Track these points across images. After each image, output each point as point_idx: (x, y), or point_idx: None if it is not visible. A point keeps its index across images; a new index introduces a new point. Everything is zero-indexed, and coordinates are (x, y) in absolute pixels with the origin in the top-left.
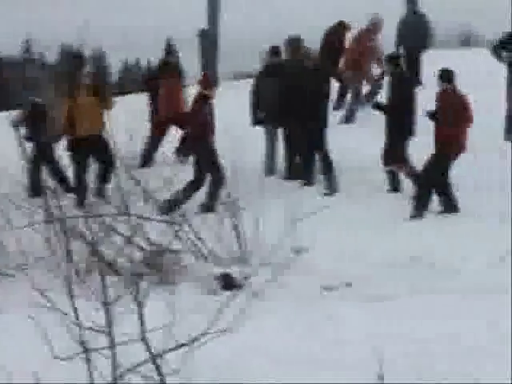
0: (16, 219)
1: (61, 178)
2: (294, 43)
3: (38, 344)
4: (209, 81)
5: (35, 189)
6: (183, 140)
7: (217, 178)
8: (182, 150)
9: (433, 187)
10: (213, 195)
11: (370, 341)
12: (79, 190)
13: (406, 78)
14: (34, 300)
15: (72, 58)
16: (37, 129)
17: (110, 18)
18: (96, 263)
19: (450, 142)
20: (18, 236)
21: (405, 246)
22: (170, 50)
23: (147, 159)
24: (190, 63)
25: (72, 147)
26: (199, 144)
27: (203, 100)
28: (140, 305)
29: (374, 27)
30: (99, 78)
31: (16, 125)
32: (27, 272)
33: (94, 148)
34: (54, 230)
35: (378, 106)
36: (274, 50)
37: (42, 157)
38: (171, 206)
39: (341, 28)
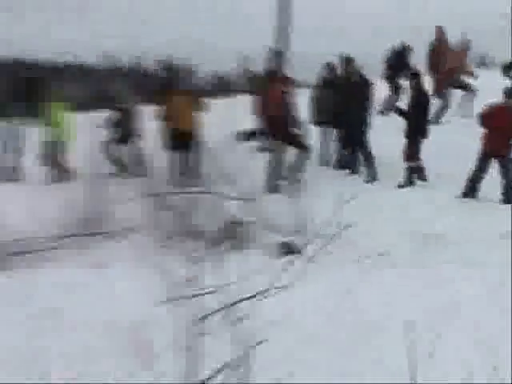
0: (122, 193)
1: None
2: (346, 61)
3: (138, 293)
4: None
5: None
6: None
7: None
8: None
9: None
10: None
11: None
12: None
13: (423, 91)
14: (135, 257)
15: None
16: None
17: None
18: (185, 230)
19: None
20: (124, 207)
21: (426, 224)
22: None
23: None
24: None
25: (169, 141)
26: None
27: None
28: (219, 263)
29: (464, 46)
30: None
31: (104, 125)
32: (130, 235)
33: (186, 141)
34: (153, 203)
35: (399, 112)
36: (330, 66)
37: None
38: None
39: (439, 45)
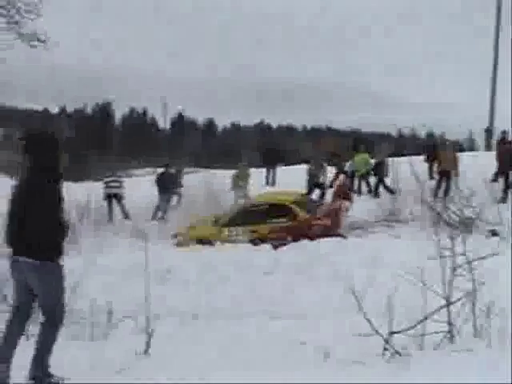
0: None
1: None
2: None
3: (419, 251)
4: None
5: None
6: None
7: None
8: None
9: None
10: None
11: None
12: None
13: None
14: (416, 234)
15: None
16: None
17: None
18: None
19: None
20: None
21: None
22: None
23: None
24: None
25: None
26: None
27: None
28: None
29: None
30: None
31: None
32: (411, 222)
33: None
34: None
35: None
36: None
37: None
38: None
39: None
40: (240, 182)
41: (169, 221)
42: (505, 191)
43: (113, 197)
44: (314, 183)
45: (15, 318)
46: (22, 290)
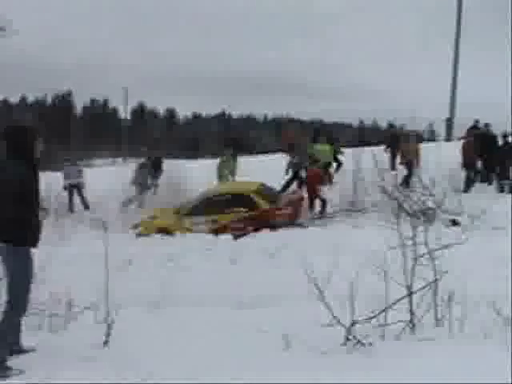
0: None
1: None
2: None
3: (379, 240)
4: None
5: None
6: None
7: None
8: None
9: None
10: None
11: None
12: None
13: None
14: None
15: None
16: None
17: None
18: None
19: None
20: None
21: None
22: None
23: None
24: None
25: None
26: None
27: None
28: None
29: None
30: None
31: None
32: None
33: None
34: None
35: None
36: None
37: None
38: None
39: None
40: (225, 171)
41: (129, 211)
42: (470, 180)
43: (73, 187)
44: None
45: None
46: None
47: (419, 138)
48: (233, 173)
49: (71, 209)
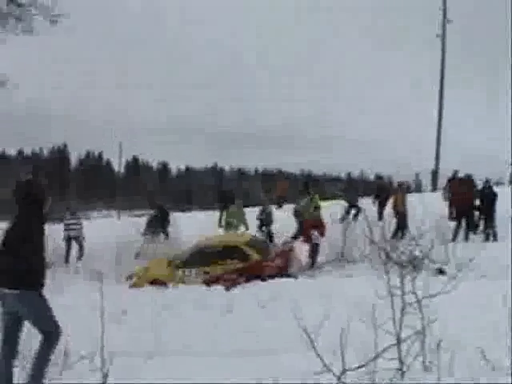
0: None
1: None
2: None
3: (369, 289)
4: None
5: None
6: None
7: None
8: None
9: None
10: None
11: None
12: None
13: None
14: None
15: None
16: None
17: None
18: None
19: None
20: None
21: None
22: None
23: None
24: None
25: None
26: None
27: None
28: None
29: None
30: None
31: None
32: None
33: None
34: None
35: None
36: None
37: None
38: None
39: None
40: (234, 220)
41: (124, 263)
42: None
43: (72, 239)
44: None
45: (5, 346)
46: (9, 320)
47: (408, 188)
48: (242, 222)
49: (67, 260)
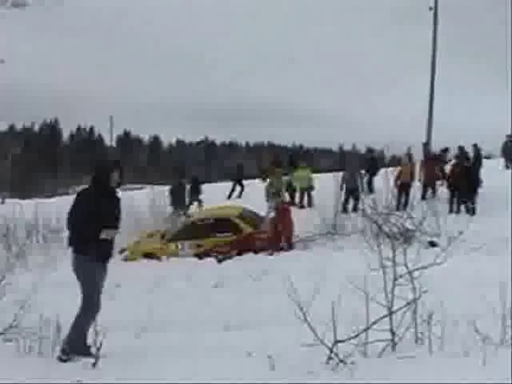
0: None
1: None
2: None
3: (361, 262)
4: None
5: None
6: None
7: None
8: None
9: None
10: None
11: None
12: None
13: None
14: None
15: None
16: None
17: None
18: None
19: None
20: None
21: None
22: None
23: None
24: None
25: None
26: None
27: None
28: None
29: None
30: None
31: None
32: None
33: None
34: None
35: None
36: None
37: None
38: None
39: None
40: (274, 190)
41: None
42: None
43: None
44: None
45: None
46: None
47: (410, 159)
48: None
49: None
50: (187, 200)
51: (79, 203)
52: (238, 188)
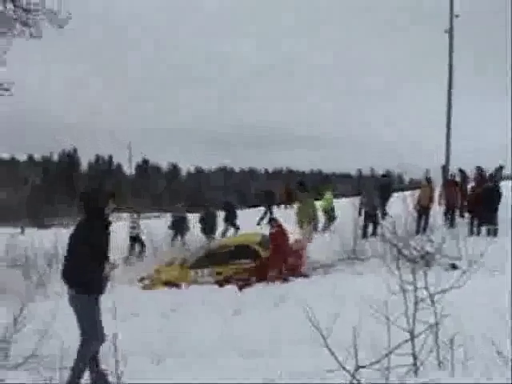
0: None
1: None
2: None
3: (380, 285)
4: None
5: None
6: None
7: None
8: None
9: None
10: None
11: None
12: None
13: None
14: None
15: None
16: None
17: None
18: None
19: None
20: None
21: None
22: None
23: None
24: None
25: None
26: None
27: None
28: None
29: None
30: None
31: None
32: (372, 259)
33: None
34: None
35: None
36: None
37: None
38: None
39: None
40: (304, 215)
41: (135, 265)
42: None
43: None
44: None
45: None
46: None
47: (430, 182)
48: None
49: None
50: (224, 225)
51: (80, 237)
52: (268, 214)
